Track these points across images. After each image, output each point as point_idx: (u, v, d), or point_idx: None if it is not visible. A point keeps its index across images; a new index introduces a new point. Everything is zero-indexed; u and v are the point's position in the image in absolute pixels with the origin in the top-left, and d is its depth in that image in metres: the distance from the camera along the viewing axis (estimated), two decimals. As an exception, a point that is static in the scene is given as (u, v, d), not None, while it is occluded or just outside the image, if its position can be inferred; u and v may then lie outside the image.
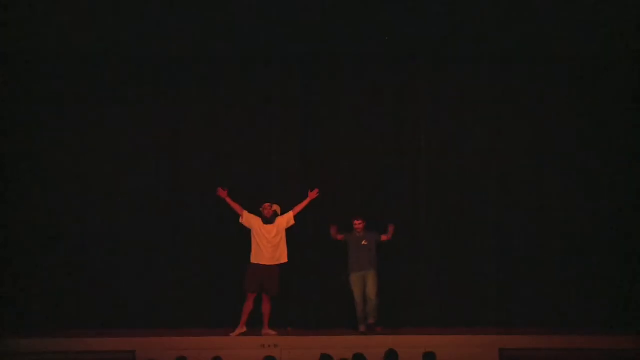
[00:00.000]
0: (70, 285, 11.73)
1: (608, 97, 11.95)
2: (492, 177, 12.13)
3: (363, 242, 11.45)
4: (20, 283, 11.73)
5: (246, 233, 11.44)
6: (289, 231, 11.46)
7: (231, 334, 11.02)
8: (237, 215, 11.39)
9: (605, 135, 11.96)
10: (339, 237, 11.59)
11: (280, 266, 11.30)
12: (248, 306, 11.15)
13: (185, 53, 11.93)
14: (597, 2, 11.29)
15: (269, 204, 11.35)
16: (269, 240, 11.26)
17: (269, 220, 11.31)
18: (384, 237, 11.54)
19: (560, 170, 12.01)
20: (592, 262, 11.83)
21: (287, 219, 11.39)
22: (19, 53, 11.82)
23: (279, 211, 11.42)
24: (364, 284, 11.36)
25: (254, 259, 11.25)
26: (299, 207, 11.46)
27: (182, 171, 12.13)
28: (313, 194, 11.47)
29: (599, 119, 11.98)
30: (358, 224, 11.50)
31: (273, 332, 11.14)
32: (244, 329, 11.11)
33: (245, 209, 11.43)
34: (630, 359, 10.31)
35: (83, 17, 11.33)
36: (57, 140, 11.95)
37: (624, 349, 10.49)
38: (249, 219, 11.33)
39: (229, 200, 11.29)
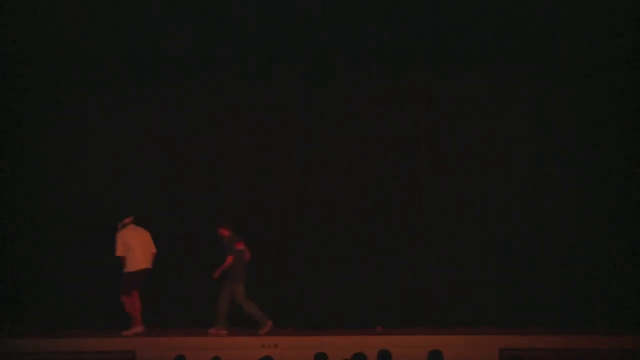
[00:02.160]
0: (70, 285, 11.73)
1: (608, 97, 11.95)
2: (492, 177, 12.14)
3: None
4: (20, 283, 11.74)
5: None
6: (292, 229, 11.83)
7: (124, 333, 11.05)
8: (238, 216, 11.46)
9: (605, 135, 11.96)
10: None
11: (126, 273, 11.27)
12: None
13: (185, 53, 11.93)
14: (596, 1, 11.30)
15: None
16: None
17: None
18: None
19: (560, 170, 12.02)
20: (592, 262, 11.83)
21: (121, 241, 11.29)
22: (19, 53, 11.82)
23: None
24: None
25: None
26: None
27: (182, 171, 12.14)
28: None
29: (599, 119, 11.98)
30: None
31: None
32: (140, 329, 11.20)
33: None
34: (630, 359, 10.31)
35: (83, 17, 11.34)
36: (57, 140, 11.95)
37: (624, 349, 10.48)
38: None
39: None
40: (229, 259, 11.19)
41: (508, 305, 11.87)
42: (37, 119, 11.94)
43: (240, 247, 11.31)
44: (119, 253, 11.23)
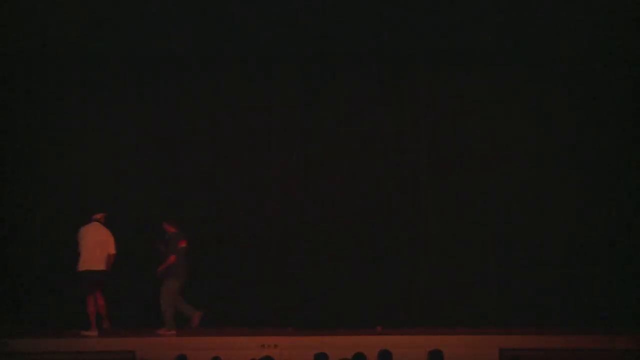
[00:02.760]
0: (70, 285, 11.71)
1: (608, 97, 11.95)
2: (492, 177, 12.13)
3: None
4: (20, 283, 11.73)
5: (244, 236, 11.53)
6: (292, 229, 11.86)
7: (84, 333, 10.98)
8: (238, 216, 11.45)
9: (605, 135, 11.96)
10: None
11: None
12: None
13: (185, 53, 11.93)
14: (596, 1, 11.30)
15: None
16: None
17: None
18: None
19: (560, 169, 12.02)
20: (591, 262, 11.82)
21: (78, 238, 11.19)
22: (19, 53, 11.82)
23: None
24: None
25: None
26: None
27: (182, 171, 12.14)
28: None
29: (599, 119, 11.98)
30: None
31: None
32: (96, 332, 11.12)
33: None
34: (630, 359, 10.31)
35: (83, 17, 11.34)
36: (57, 140, 11.96)
37: (624, 349, 10.48)
38: None
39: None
40: (172, 258, 11.12)
41: (508, 305, 11.86)
42: (37, 119, 11.94)
43: (184, 244, 11.28)
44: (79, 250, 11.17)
